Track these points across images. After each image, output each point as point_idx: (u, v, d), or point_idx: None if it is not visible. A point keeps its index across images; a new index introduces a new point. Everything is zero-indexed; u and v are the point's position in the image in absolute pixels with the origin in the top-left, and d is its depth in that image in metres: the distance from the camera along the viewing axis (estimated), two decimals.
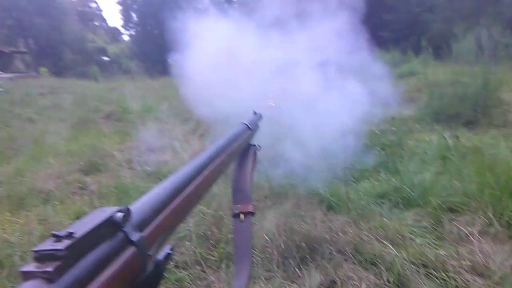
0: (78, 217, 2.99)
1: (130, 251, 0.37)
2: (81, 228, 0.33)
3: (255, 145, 0.99)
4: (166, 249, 0.44)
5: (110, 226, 0.36)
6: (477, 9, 22.83)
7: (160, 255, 0.43)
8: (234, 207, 0.86)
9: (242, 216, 0.84)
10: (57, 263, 0.29)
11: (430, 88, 7.18)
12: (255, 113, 1.15)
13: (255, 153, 0.99)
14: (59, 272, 0.29)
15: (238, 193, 0.90)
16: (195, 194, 0.57)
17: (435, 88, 6.89)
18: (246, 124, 0.96)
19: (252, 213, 0.85)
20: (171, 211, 0.48)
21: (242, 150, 0.94)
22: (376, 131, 4.99)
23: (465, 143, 4.25)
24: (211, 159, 0.67)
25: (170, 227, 0.48)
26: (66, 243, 0.31)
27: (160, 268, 0.42)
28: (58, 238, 0.32)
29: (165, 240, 0.47)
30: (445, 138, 4.36)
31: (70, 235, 0.32)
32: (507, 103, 6.32)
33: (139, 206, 0.44)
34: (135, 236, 0.38)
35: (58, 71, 23.77)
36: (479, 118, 5.57)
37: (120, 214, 0.37)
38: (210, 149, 0.71)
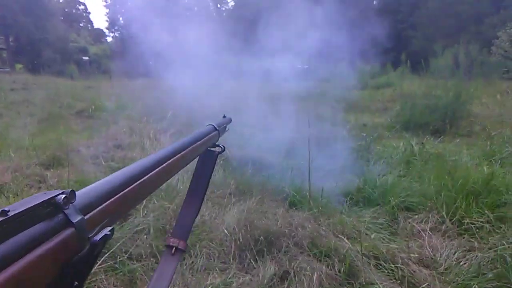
0: None
1: (68, 232, 0.38)
2: (18, 207, 0.33)
3: (220, 146, 1.02)
4: (105, 231, 0.44)
5: (50, 207, 0.37)
6: (458, 28, 23.67)
7: (98, 237, 0.42)
8: (171, 239, 0.90)
9: (174, 249, 0.89)
10: None
11: (404, 99, 7.36)
12: (224, 116, 1.19)
13: (216, 157, 1.02)
14: None
15: (180, 226, 0.94)
16: (149, 184, 0.58)
17: (408, 99, 7.07)
18: (213, 125, 0.99)
19: (183, 250, 0.90)
20: (120, 198, 0.49)
21: (206, 151, 0.98)
22: (347, 136, 5.08)
23: (429, 149, 4.36)
24: (172, 154, 0.69)
25: (117, 213, 0.49)
26: None
27: (95, 249, 0.42)
28: None
29: (110, 224, 0.47)
30: (411, 144, 4.46)
31: (3, 213, 0.32)
32: (474, 115, 6.53)
33: (87, 190, 0.45)
34: (75, 218, 0.39)
35: (35, 68, 23.30)
36: (447, 128, 5.73)
37: (62, 196, 0.38)
38: (174, 144, 0.73)
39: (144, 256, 2.39)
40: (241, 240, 2.49)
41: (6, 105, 8.00)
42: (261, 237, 2.47)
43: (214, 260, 2.37)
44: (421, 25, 26.73)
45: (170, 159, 0.67)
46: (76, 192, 0.41)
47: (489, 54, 15.29)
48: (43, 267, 0.34)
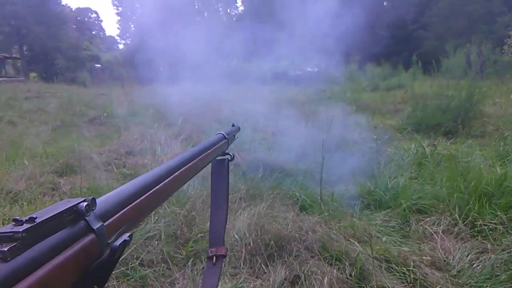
0: None
1: (89, 237, 0.40)
2: (44, 214, 0.36)
3: (229, 154, 1.04)
4: (124, 237, 0.46)
5: (73, 214, 0.39)
6: (470, 27, 23.49)
7: (117, 242, 0.44)
8: (209, 250, 0.93)
9: (214, 258, 0.92)
10: (12, 244, 0.31)
11: (415, 100, 7.30)
12: (233, 125, 1.21)
13: (228, 164, 1.04)
14: (13, 253, 0.31)
15: (214, 236, 0.97)
16: (163, 192, 0.61)
17: (420, 100, 7.01)
18: (223, 134, 1.01)
19: (224, 256, 0.93)
20: (136, 205, 0.51)
21: (216, 160, 1.01)
22: (357, 139, 5.05)
23: (441, 151, 4.31)
24: (184, 163, 0.71)
25: (134, 220, 0.51)
26: (25, 226, 0.33)
27: (115, 255, 0.44)
28: (19, 222, 0.34)
29: (127, 231, 0.49)
30: (423, 146, 4.42)
31: (31, 220, 0.34)
32: (487, 115, 6.45)
33: (106, 198, 0.47)
34: (96, 225, 0.41)
35: (49, 76, 23.79)
36: (459, 128, 5.67)
37: (84, 204, 0.40)
38: (186, 153, 0.76)
39: (155, 262, 2.41)
40: (251, 244, 2.49)
41: (21, 113, 8.12)
42: (272, 242, 2.47)
43: (225, 265, 2.37)
44: (432, 25, 26.54)
45: (181, 168, 0.68)
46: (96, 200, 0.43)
47: (501, 54, 15.12)
48: (67, 272, 0.36)
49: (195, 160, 0.75)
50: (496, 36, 19.21)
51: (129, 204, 0.50)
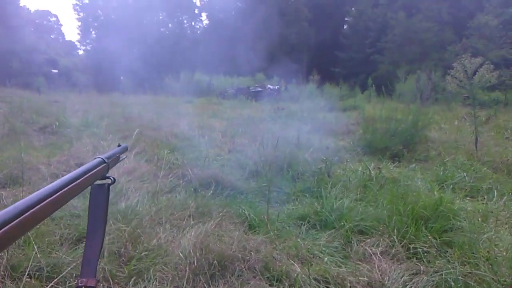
0: None
1: None
2: None
3: (110, 178, 1.02)
4: None
5: None
6: (422, 54, 24.85)
7: None
8: (79, 280, 0.89)
9: None
10: None
11: (366, 122, 7.60)
12: (119, 145, 1.18)
13: (108, 189, 1.02)
14: None
15: (86, 264, 0.93)
16: (16, 231, 0.56)
17: (370, 123, 7.30)
18: (102, 158, 0.98)
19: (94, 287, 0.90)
20: None
21: (95, 185, 0.98)
22: (308, 159, 5.18)
23: (386, 174, 4.50)
24: (47, 196, 0.67)
25: None
26: None
27: None
28: None
29: None
30: (368, 168, 4.61)
31: None
32: (432, 140, 6.82)
33: None
34: None
35: (1, 80, 22.70)
36: (404, 152, 5.94)
37: None
38: (53, 184, 0.72)
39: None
40: (195, 264, 2.50)
41: None
42: (215, 261, 2.49)
43: (167, 285, 2.36)
44: (388, 50, 27.83)
45: (42, 203, 0.65)
46: None
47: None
48: None
49: (63, 190, 0.72)
50: (447, 63, 20.39)
51: None
